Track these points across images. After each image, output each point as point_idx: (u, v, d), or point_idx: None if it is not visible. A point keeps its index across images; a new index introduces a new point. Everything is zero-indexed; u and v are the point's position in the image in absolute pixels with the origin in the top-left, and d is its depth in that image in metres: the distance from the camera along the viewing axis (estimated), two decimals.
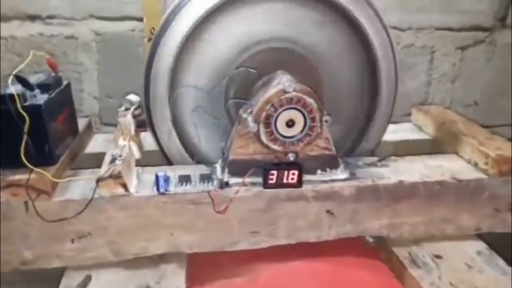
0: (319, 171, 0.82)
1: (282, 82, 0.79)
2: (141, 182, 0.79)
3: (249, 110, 0.82)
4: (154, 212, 0.76)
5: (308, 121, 0.80)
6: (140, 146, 0.89)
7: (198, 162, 0.86)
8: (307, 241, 0.81)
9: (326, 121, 0.81)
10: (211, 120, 0.86)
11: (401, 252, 0.83)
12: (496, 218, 0.86)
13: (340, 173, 0.82)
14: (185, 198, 0.76)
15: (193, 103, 0.86)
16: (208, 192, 0.79)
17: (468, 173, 0.85)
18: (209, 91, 0.85)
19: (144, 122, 0.88)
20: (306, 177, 0.79)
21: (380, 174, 0.83)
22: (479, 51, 1.22)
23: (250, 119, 0.81)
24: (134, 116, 0.86)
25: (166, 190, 0.79)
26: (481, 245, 0.84)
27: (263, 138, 0.81)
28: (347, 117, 0.90)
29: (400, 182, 0.81)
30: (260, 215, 0.79)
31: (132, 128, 0.85)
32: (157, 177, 0.79)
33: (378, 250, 0.87)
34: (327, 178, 0.81)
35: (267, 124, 0.80)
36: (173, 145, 0.86)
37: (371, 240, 0.88)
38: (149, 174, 0.80)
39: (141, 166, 0.83)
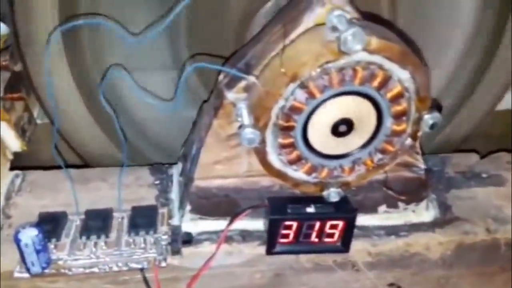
0: (383, 208, 0.39)
1: (335, 20, 0.29)
2: (10, 223, 0.42)
3: (242, 84, 0.34)
4: None
5: (388, 121, 0.33)
6: (20, 126, 0.44)
7: (133, 157, 0.47)
8: None
9: (433, 127, 0.33)
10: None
11: None
12: None
13: (424, 210, 0.39)
14: (96, 275, 0.37)
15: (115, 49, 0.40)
16: (142, 270, 0.36)
17: None
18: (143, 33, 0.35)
19: (21, 78, 0.42)
20: (359, 220, 0.41)
21: (496, 209, 0.46)
22: None
23: (243, 107, 0.33)
24: None
25: (44, 268, 0.35)
26: None
27: (272, 156, 0.34)
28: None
29: None
30: None
31: None
32: (18, 244, 0.33)
33: None
34: (399, 223, 0.44)
35: (287, 129, 0.32)
36: (79, 122, 0.47)
37: None
38: (33, 196, 0.44)
39: (24, 168, 0.48)
